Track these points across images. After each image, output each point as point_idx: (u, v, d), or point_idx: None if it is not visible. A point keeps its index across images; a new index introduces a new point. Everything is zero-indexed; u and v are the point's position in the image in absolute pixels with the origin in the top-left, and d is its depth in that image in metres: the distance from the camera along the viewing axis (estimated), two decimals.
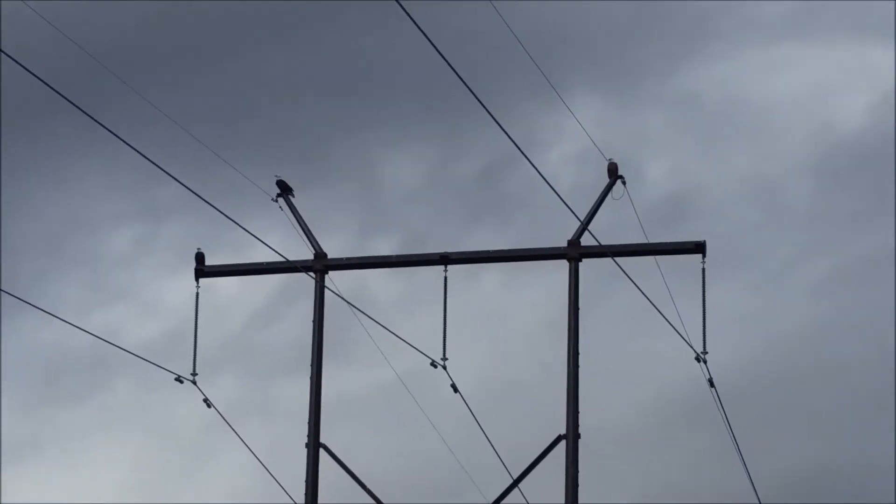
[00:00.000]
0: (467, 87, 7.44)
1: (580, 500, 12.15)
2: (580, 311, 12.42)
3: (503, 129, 9.09)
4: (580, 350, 12.38)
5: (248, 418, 13.88)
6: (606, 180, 12.94)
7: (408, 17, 6.30)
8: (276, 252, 11.18)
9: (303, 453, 12.31)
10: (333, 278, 12.37)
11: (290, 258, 11.55)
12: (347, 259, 12.72)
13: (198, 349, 12.24)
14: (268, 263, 12.57)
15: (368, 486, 12.39)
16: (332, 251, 12.34)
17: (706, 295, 12.60)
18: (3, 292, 9.72)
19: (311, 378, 12.48)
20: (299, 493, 12.27)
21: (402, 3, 6.06)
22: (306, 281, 12.26)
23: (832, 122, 27.52)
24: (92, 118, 7.68)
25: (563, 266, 12.40)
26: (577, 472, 12.26)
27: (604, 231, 12.26)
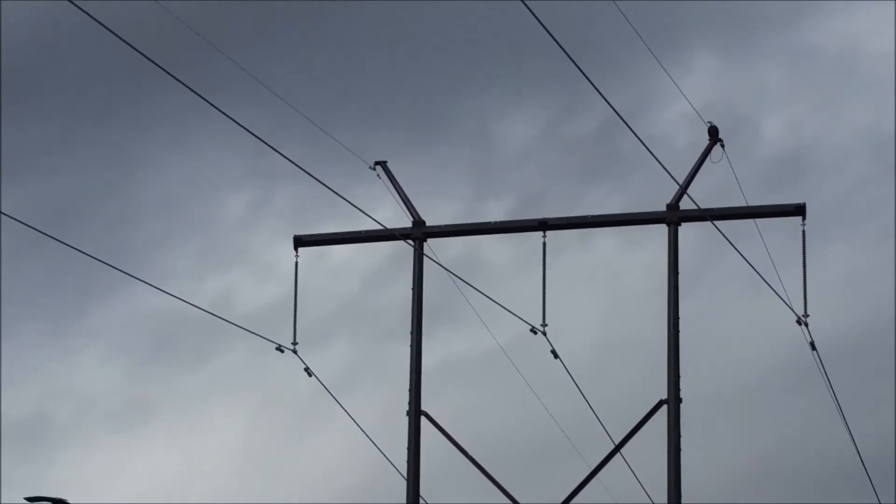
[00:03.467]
0: (570, 58, 7.44)
1: (682, 465, 12.15)
2: (681, 276, 12.36)
3: (603, 97, 8.99)
4: (681, 314, 12.34)
5: (357, 385, 13.95)
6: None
7: None
8: (374, 220, 11.20)
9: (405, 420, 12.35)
10: (446, 244, 12.38)
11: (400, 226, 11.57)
12: (445, 226, 12.69)
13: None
14: (366, 232, 12.57)
15: (470, 453, 12.44)
16: (446, 215, 12.38)
17: (807, 257, 12.46)
18: (112, 268, 9.82)
19: (410, 346, 12.50)
20: (403, 459, 12.34)
21: None
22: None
23: None
24: (199, 96, 7.68)
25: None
26: (678, 436, 12.19)
27: (717, 194, 12.13)
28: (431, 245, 12.46)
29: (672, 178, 11.71)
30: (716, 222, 12.39)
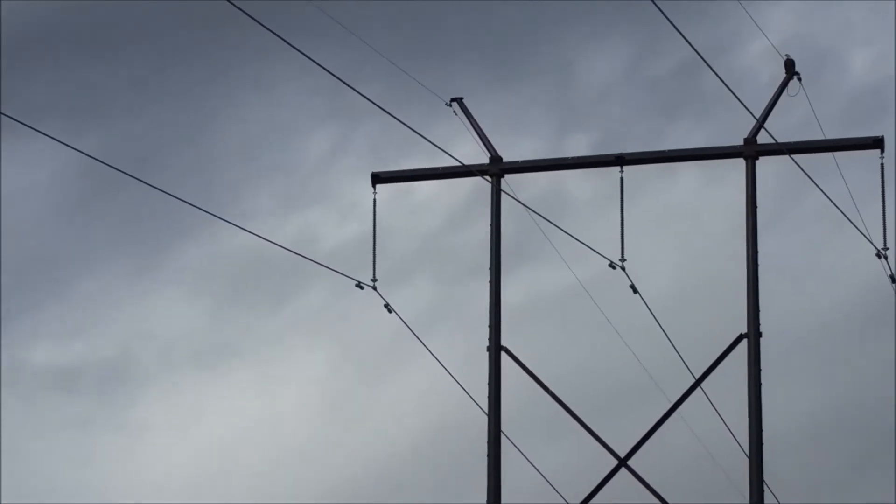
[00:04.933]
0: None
1: (763, 401, 12.14)
2: (761, 212, 12.36)
3: (679, 33, 8.98)
4: (761, 251, 12.33)
5: (439, 323, 13.99)
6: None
7: None
8: (452, 157, 11.22)
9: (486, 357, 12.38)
10: (528, 182, 12.41)
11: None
12: (522, 162, 12.69)
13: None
14: (443, 168, 12.60)
15: (552, 389, 12.45)
16: (527, 152, 12.39)
17: (886, 191, 12.43)
18: (195, 207, 9.89)
19: (490, 282, 12.52)
20: (484, 397, 12.36)
21: None
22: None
23: None
24: (278, 36, 7.72)
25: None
26: (759, 371, 12.17)
27: (798, 130, 12.11)
28: (512, 183, 12.49)
29: (749, 112, 11.74)
30: (794, 157, 12.38)
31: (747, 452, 12.05)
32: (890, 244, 12.46)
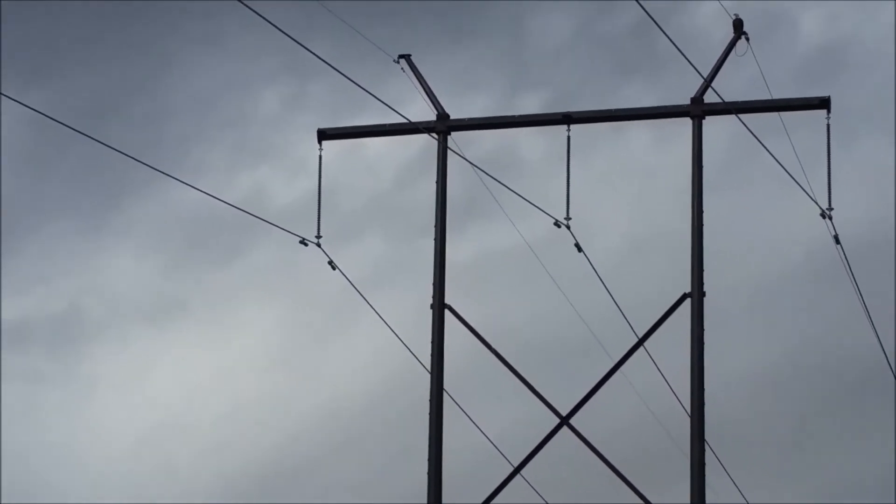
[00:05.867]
0: None
1: (706, 361, 12.21)
2: (709, 172, 12.40)
3: None
4: (707, 210, 12.35)
5: (386, 281, 13.99)
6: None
7: None
8: (400, 115, 11.18)
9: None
10: (478, 140, 12.36)
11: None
12: (469, 120, 12.61)
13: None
14: (390, 125, 12.50)
15: (496, 348, 12.46)
16: (479, 109, 12.34)
17: (835, 153, 12.45)
18: (145, 165, 9.82)
19: (434, 240, 12.48)
20: (428, 355, 12.36)
21: None
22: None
23: None
24: None
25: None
26: (702, 330, 12.22)
27: (749, 90, 12.12)
28: (462, 141, 12.42)
29: (697, 71, 11.73)
30: (742, 117, 12.37)
31: (689, 411, 12.16)
32: (835, 205, 12.51)
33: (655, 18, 11.90)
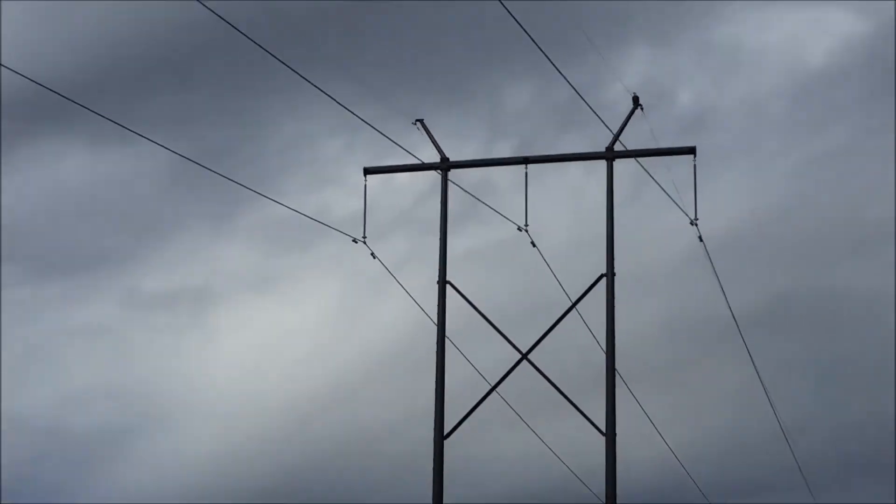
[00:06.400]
0: (546, 56, 14.51)
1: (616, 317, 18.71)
2: (618, 193, 19.01)
3: (566, 79, 15.94)
4: (617, 220, 18.88)
5: (410, 266, 20.48)
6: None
7: None
8: (414, 157, 17.99)
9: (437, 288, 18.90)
10: (467, 174, 19.09)
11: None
12: (461, 161, 19.26)
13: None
14: (410, 165, 19.16)
15: (481, 309, 18.99)
16: (471, 153, 19.08)
17: (697, 183, 19.14)
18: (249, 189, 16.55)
19: (440, 238, 19.03)
20: (435, 314, 18.85)
21: None
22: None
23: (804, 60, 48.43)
24: (296, 72, 14.54)
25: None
26: (613, 299, 18.54)
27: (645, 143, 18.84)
28: (456, 175, 19.08)
29: (609, 129, 18.57)
30: (639, 159, 19.09)
31: (605, 350, 18.66)
32: (700, 215, 19.17)
33: (578, 94, 18.96)
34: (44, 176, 47.06)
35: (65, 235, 47.48)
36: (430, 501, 18.50)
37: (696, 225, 19.21)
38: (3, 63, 11.44)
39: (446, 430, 18.43)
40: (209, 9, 12.88)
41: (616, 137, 19.05)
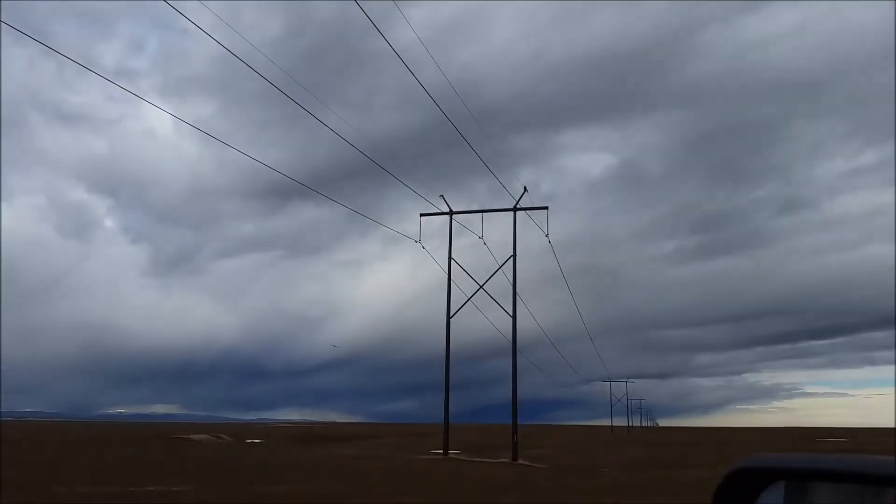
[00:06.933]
0: (490, 169, 45.58)
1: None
2: (520, 232, 49.36)
3: (499, 180, 47.22)
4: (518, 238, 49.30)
5: (437, 254, 51.10)
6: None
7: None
8: (437, 210, 48.68)
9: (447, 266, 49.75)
10: (464, 218, 49.67)
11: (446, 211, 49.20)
12: (456, 211, 49.66)
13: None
14: (436, 212, 49.61)
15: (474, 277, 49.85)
16: (465, 206, 49.70)
17: (549, 230, 49.53)
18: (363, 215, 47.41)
19: (448, 247, 49.64)
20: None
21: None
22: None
23: None
24: (390, 173, 45.33)
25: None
26: (515, 275, 49.20)
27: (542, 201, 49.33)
28: (459, 219, 49.66)
29: (512, 197, 49.10)
30: (527, 213, 49.31)
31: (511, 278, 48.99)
32: (551, 234, 49.45)
33: (500, 182, 51.20)
34: None
35: None
36: (445, 344, 49.14)
37: (549, 240, 49.53)
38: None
39: (452, 313, 49.05)
40: None
41: (517, 203, 49.22)
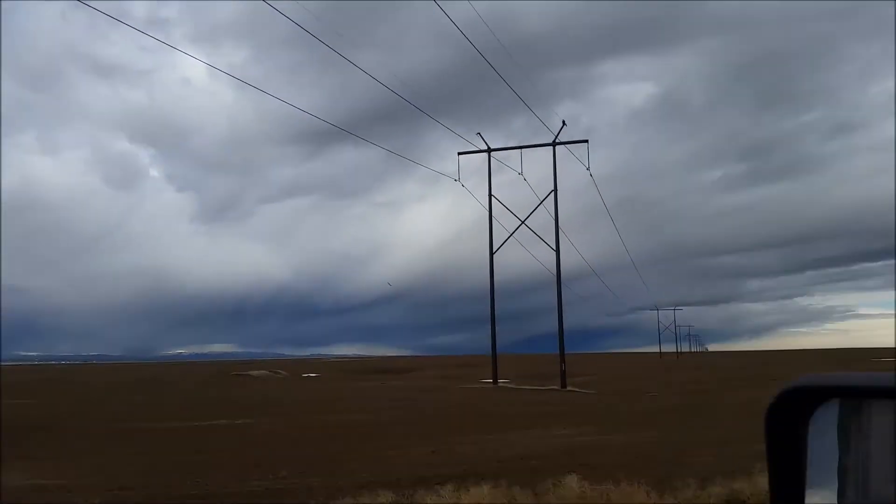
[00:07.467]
0: (523, 101, 45.65)
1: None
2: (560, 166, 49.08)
3: (535, 114, 46.82)
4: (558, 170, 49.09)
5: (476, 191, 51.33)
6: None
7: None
8: (475, 147, 48.62)
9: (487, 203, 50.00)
10: (501, 155, 49.68)
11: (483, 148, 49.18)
12: (495, 148, 49.57)
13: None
14: (476, 150, 49.61)
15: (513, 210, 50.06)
16: (502, 142, 49.64)
17: (591, 157, 49.00)
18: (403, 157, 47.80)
19: (488, 182, 49.80)
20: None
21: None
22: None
23: None
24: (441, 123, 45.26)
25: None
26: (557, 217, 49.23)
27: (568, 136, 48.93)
28: (498, 156, 49.62)
29: (551, 131, 48.66)
30: (567, 147, 48.87)
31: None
32: (593, 167, 49.04)
33: (541, 116, 51.11)
34: None
35: None
36: (490, 278, 49.94)
37: (590, 171, 49.22)
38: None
39: (494, 249, 49.66)
40: None
41: (556, 137, 48.81)
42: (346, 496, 8.76)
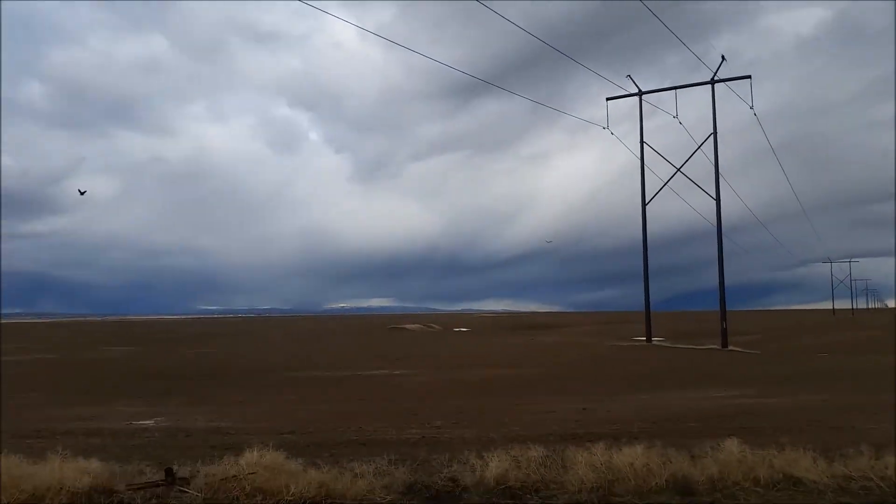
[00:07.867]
0: (680, 40, 42.41)
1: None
2: (720, 106, 45.76)
3: (691, 51, 43.69)
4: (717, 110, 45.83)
5: (626, 138, 49.52)
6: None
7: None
8: (623, 93, 46.31)
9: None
10: (653, 97, 47.15)
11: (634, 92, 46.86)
12: (646, 91, 47.02)
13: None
14: (623, 94, 47.35)
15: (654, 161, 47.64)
16: (655, 85, 47.10)
17: (754, 92, 45.10)
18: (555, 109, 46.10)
19: (639, 146, 47.47)
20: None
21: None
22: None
23: None
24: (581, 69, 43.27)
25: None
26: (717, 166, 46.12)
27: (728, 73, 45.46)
28: (650, 99, 47.10)
29: (707, 67, 45.29)
30: (727, 84, 45.30)
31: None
32: (756, 105, 45.21)
33: (696, 52, 47.82)
34: None
35: None
36: (642, 231, 48.01)
37: (753, 109, 45.39)
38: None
39: (647, 199, 47.57)
40: None
41: (714, 74, 45.35)
42: (498, 448, 8.86)
